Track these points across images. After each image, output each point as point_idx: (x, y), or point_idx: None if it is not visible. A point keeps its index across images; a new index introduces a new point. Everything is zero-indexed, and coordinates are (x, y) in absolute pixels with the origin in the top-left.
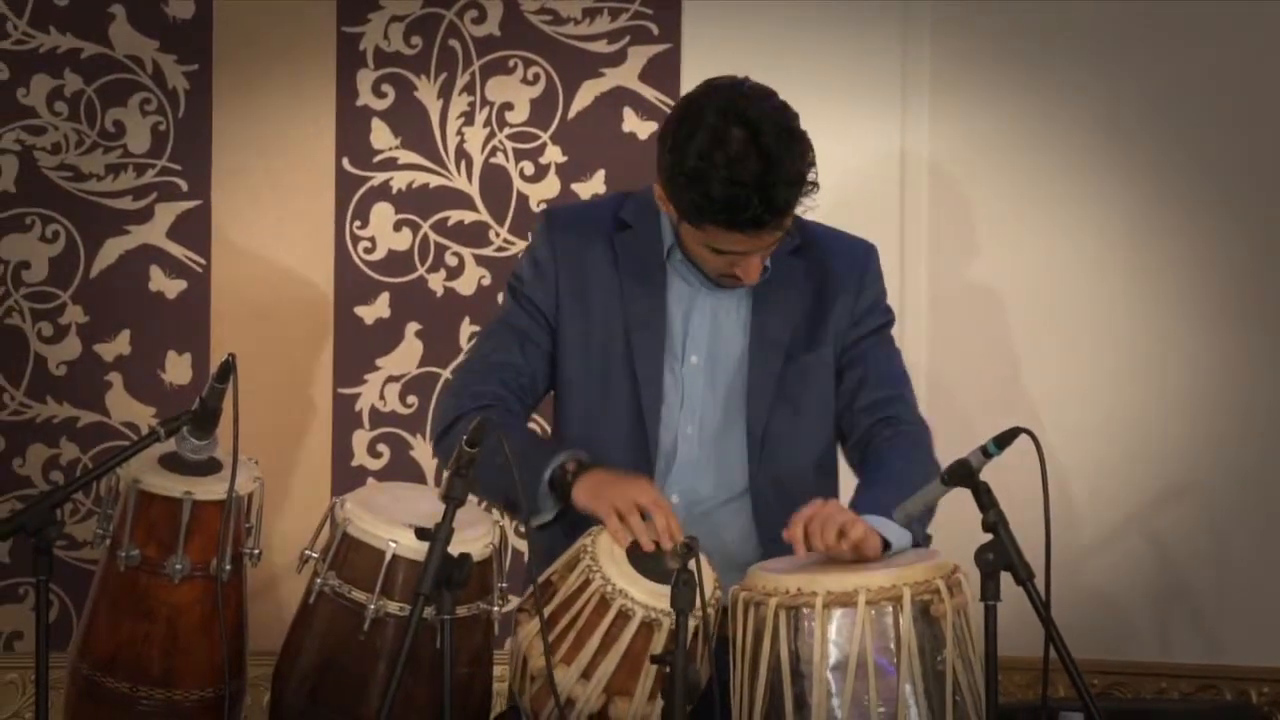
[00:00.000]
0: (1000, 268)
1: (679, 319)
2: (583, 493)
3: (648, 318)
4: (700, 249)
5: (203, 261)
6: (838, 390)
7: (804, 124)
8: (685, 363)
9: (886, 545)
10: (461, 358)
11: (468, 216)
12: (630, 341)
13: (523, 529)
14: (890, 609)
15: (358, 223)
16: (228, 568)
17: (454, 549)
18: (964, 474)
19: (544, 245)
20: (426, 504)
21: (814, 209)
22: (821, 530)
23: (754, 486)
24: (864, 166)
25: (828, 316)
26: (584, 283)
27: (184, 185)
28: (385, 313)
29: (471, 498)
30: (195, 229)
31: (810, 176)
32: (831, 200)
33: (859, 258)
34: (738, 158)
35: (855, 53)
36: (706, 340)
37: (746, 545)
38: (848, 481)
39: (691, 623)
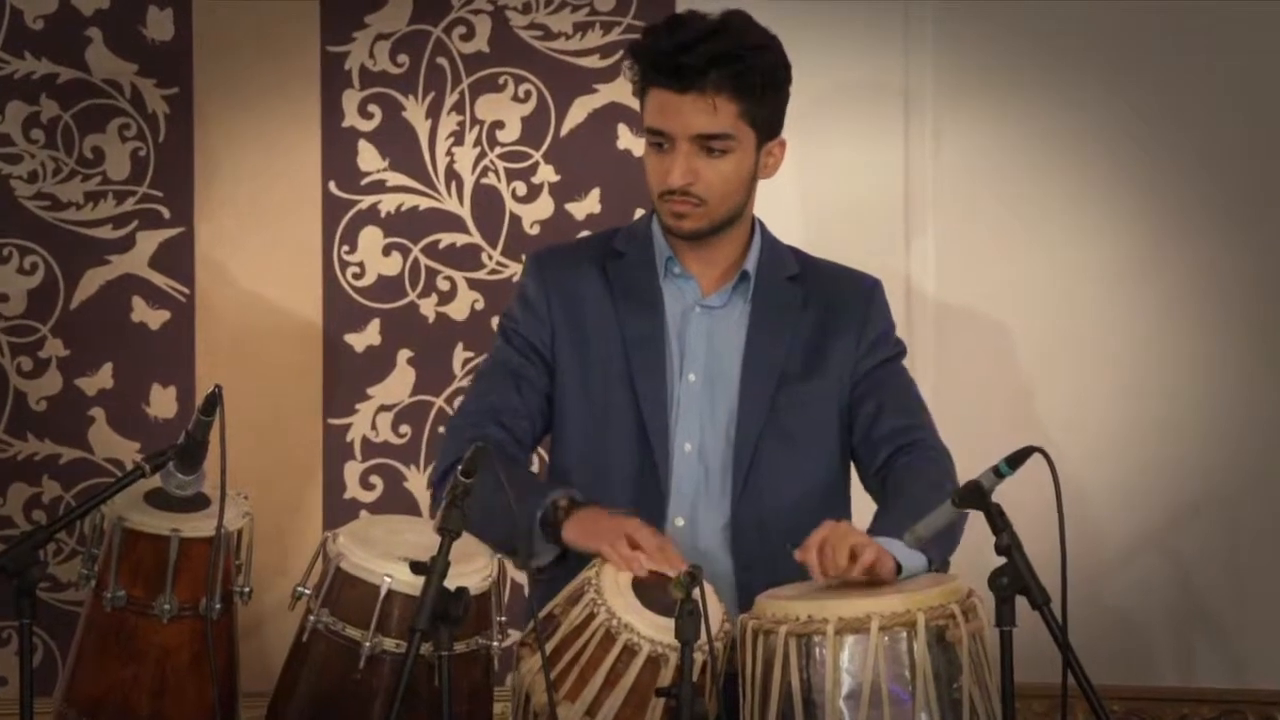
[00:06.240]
0: (1008, 282)
1: (675, 336)
2: (573, 530)
3: (646, 336)
4: (646, 154)
5: (186, 291)
6: (854, 422)
7: (805, 139)
8: (684, 380)
9: (899, 568)
10: (459, 400)
11: (459, 239)
12: (630, 361)
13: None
14: (904, 635)
15: (346, 247)
16: (218, 606)
17: (451, 583)
18: (976, 496)
19: (534, 282)
20: (422, 537)
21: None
22: (834, 553)
23: (736, 513)
24: (867, 181)
25: (830, 351)
26: (578, 312)
27: (166, 213)
28: (376, 340)
29: None
30: (178, 257)
31: (762, 80)
32: (835, 215)
33: (863, 291)
34: (681, 17)
35: (857, 66)
36: (704, 359)
37: (724, 571)
38: (861, 519)
39: (699, 656)
